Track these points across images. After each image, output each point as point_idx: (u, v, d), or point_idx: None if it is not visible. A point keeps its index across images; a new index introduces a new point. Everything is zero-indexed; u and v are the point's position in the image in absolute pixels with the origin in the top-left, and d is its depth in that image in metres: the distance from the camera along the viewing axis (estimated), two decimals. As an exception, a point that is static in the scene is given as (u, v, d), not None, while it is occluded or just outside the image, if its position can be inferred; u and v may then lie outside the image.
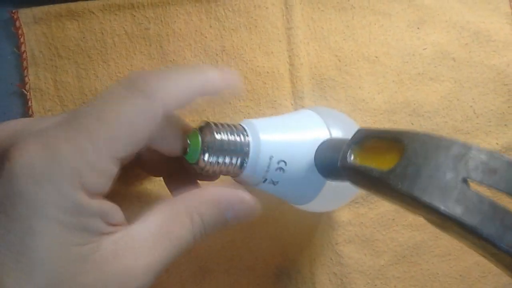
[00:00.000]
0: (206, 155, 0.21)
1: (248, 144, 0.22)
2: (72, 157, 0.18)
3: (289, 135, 0.24)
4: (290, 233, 0.32)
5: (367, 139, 0.21)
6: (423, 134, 0.18)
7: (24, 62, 0.32)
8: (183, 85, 0.21)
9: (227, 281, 0.32)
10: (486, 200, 0.15)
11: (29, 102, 0.32)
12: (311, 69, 0.33)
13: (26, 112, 0.32)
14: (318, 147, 0.24)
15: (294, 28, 0.33)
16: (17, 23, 0.32)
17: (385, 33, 0.34)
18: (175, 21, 0.33)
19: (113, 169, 0.19)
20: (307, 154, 0.24)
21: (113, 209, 0.20)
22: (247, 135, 0.22)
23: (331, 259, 0.32)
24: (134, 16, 0.33)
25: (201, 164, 0.21)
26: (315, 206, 0.26)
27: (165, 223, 0.20)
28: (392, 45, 0.34)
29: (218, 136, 0.21)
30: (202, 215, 0.21)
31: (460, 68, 0.34)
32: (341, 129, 0.25)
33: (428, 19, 0.34)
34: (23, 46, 0.32)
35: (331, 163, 0.22)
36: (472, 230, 0.15)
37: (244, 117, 0.33)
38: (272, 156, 0.23)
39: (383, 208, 0.33)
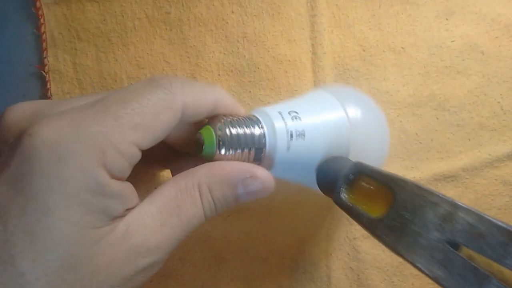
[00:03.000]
0: (223, 150, 0.21)
1: (263, 136, 0.22)
2: (98, 136, 0.17)
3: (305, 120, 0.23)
4: (306, 226, 0.32)
5: (360, 177, 0.21)
6: (413, 185, 0.18)
7: (44, 44, 0.32)
8: (200, 93, 0.21)
9: (242, 272, 0.31)
10: (470, 266, 0.15)
11: (48, 84, 0.32)
12: (334, 59, 0.33)
13: (44, 94, 0.32)
14: (318, 168, 0.23)
15: (318, 15, 0.32)
16: (37, 4, 0.32)
17: (413, 24, 0.33)
18: (196, 6, 0.32)
19: (136, 155, 0.19)
20: (328, 135, 0.23)
21: (132, 193, 0.19)
22: (262, 126, 0.22)
23: (348, 254, 0.32)
24: (155, -1, 0.32)
25: (217, 159, 0.21)
26: None
27: (173, 199, 0.20)
28: (419, 36, 0.33)
29: (231, 130, 0.21)
30: (211, 189, 0.20)
31: (488, 62, 0.33)
32: (356, 106, 0.25)
33: (457, 10, 0.33)
34: (43, 27, 0.32)
35: (328, 189, 0.22)
36: None
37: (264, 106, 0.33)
38: (291, 136, 0.22)
39: (403, 203, 0.32)
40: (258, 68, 0.33)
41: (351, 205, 0.20)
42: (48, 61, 0.32)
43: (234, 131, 0.21)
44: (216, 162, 0.21)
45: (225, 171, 0.21)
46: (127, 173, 0.19)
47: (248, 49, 0.33)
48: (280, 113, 0.23)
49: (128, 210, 0.19)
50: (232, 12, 0.33)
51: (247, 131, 0.21)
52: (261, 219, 0.32)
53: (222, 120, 0.21)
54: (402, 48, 0.33)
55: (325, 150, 0.23)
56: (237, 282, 0.31)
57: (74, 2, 0.32)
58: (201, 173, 0.21)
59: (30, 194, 0.17)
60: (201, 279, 0.31)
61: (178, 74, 0.32)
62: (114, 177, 0.18)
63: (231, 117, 0.22)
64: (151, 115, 0.19)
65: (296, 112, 0.23)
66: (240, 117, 0.22)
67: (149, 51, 0.32)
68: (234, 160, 0.21)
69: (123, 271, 0.18)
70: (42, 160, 0.17)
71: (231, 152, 0.21)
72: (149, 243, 0.19)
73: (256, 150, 0.22)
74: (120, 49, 0.32)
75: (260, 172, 0.21)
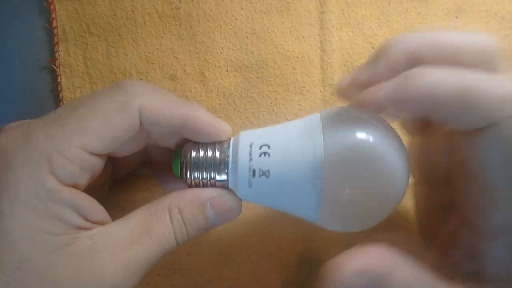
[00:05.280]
0: (186, 171, 0.22)
1: (227, 166, 0.22)
2: (43, 143, 0.18)
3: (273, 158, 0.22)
4: (313, 222, 0.32)
5: None
6: None
7: (55, 38, 0.32)
8: (165, 102, 0.21)
9: (248, 267, 0.32)
10: None
11: (59, 78, 0.32)
12: (343, 56, 0.33)
13: (55, 88, 0.32)
14: None
15: (327, 12, 0.33)
16: (49, -1, 0.32)
17: (422, 21, 0.33)
18: (206, 1, 0.33)
19: (88, 160, 0.19)
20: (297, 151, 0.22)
21: (90, 204, 0.20)
22: (228, 152, 0.23)
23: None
24: (165, -5, 0.33)
25: (183, 178, 0.23)
26: (326, 217, 0.23)
27: (144, 221, 0.20)
28: (429, 34, 0.33)
29: (194, 154, 0.22)
30: (181, 210, 0.21)
31: (498, 61, 0.33)
32: (339, 131, 0.21)
33: (467, 8, 0.33)
34: (54, 21, 0.32)
35: None
36: None
37: (271, 103, 0.33)
38: (252, 159, 0.22)
39: (410, 201, 0.32)
40: (266, 64, 0.33)
41: None
42: (59, 55, 0.32)
43: (195, 155, 0.22)
44: (187, 189, 0.22)
45: (193, 193, 0.22)
46: (81, 179, 0.19)
47: (256, 46, 0.33)
48: (251, 145, 0.22)
49: (93, 223, 0.20)
50: (241, 8, 0.33)
51: (211, 155, 0.22)
52: (267, 215, 0.32)
53: (189, 145, 0.23)
54: (411, 45, 0.33)
55: (290, 190, 0.22)
56: (243, 277, 0.31)
57: (85, -3, 0.32)
58: (171, 197, 0.22)
59: None
60: (207, 274, 0.31)
61: (187, 69, 0.33)
62: (66, 184, 0.19)
63: (201, 143, 0.23)
64: (101, 118, 0.19)
65: (269, 147, 0.22)
66: (211, 144, 0.23)
67: (159, 46, 0.32)
68: (200, 181, 0.22)
69: (89, 287, 0.18)
70: None
71: (194, 175, 0.22)
72: (116, 261, 0.19)
73: (218, 174, 0.22)
74: (130, 44, 0.32)
75: (227, 193, 0.22)
